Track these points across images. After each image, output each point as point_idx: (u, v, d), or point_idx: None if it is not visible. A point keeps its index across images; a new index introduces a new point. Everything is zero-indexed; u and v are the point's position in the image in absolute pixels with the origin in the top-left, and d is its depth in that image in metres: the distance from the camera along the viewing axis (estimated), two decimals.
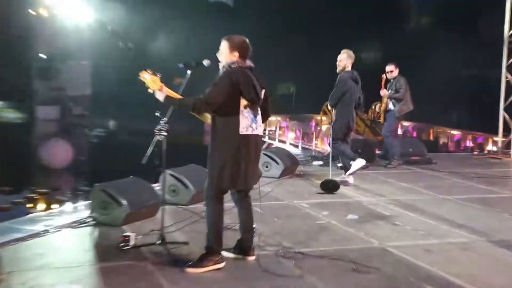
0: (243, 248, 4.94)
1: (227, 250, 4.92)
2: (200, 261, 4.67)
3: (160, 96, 4.79)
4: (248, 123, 4.72)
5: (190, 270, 4.63)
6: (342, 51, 8.29)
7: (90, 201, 6.03)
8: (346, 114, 8.24)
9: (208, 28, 30.00)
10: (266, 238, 5.50)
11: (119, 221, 5.75)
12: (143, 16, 31.54)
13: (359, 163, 8.19)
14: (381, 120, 10.12)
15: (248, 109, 4.72)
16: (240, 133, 4.68)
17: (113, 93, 30.59)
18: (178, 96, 4.88)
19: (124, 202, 5.75)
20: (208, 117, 4.83)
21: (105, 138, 25.22)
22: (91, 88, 39.33)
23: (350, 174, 8.24)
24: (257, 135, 4.81)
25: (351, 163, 8.19)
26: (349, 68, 8.26)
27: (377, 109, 10.30)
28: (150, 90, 4.83)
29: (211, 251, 4.70)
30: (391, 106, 9.98)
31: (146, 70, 4.85)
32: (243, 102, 4.69)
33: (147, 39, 33.04)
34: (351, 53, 8.30)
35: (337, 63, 8.26)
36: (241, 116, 4.68)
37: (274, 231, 5.80)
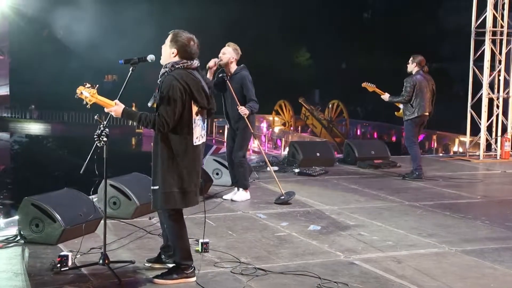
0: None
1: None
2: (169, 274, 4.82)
3: (118, 111, 4.73)
4: (199, 131, 4.80)
5: (159, 281, 4.79)
6: (228, 44, 7.62)
7: (18, 217, 5.91)
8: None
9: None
10: (221, 254, 5.54)
11: (54, 239, 5.67)
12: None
13: (245, 196, 7.82)
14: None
15: (199, 115, 4.77)
16: (194, 144, 4.74)
17: (36, 92, 29.94)
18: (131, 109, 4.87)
19: (58, 217, 5.67)
20: None
21: (28, 144, 24.69)
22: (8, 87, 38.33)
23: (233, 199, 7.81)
24: (203, 143, 4.91)
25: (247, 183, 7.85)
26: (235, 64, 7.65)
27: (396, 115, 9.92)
28: (89, 106, 4.79)
29: (181, 267, 4.85)
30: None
31: (83, 85, 4.78)
32: (195, 108, 4.74)
33: (74, 27, 32.44)
34: (237, 47, 7.63)
35: (221, 55, 7.51)
36: (194, 125, 4.73)
37: (230, 246, 5.84)
